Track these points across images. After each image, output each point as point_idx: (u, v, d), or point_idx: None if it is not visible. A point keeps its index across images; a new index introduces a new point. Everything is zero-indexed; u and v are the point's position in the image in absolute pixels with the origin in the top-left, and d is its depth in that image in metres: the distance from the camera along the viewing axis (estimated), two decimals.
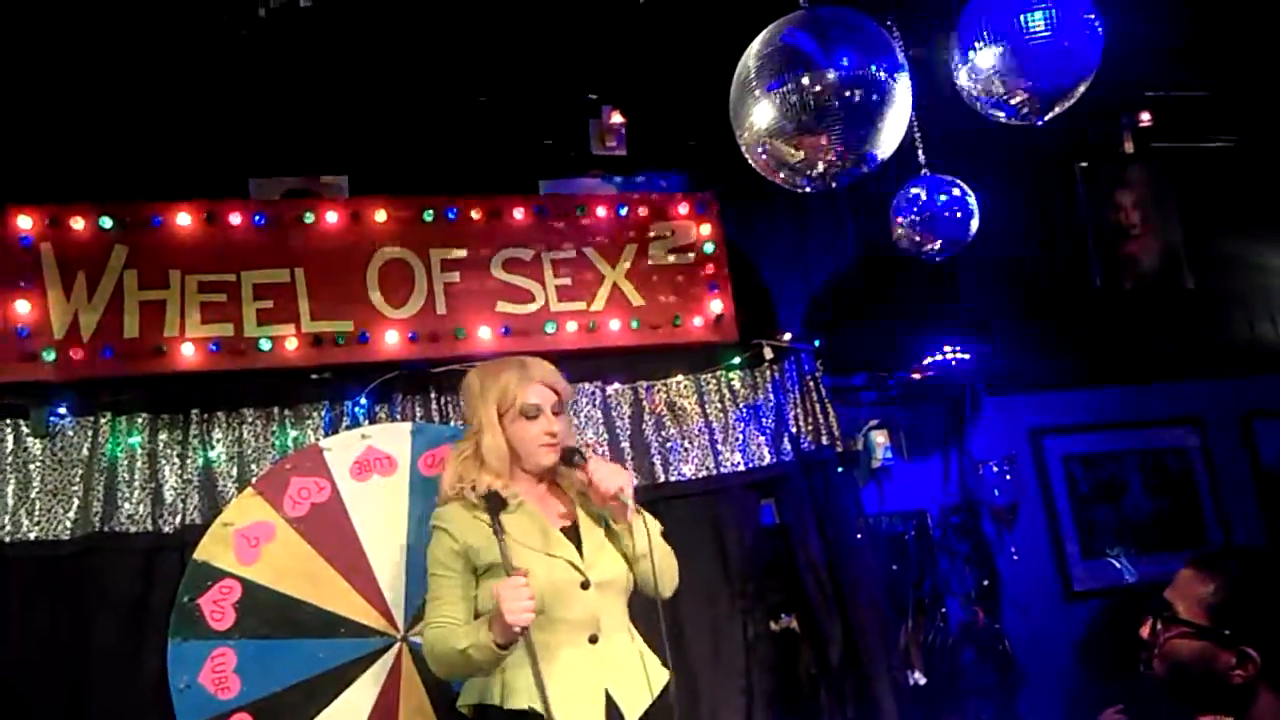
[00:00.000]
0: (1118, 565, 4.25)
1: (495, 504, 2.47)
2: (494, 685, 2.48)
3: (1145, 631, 1.91)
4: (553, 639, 2.47)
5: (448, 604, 2.52)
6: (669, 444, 3.66)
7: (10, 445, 3.14)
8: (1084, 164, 4.65)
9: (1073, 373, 4.47)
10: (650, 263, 3.77)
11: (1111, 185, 4.68)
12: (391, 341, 3.43)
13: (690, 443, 3.68)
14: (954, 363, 4.09)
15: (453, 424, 3.43)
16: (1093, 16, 2.50)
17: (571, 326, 3.61)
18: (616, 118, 3.85)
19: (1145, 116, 4.65)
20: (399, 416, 3.40)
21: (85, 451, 3.15)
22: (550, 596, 2.46)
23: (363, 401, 3.37)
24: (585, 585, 2.50)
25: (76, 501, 3.11)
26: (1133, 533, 4.39)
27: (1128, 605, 4.19)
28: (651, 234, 3.79)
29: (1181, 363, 4.61)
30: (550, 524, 2.59)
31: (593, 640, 2.49)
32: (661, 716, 2.53)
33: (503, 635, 2.33)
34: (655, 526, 2.62)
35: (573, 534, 2.61)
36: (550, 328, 3.59)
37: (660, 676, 2.57)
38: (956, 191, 3.27)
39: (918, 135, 3.37)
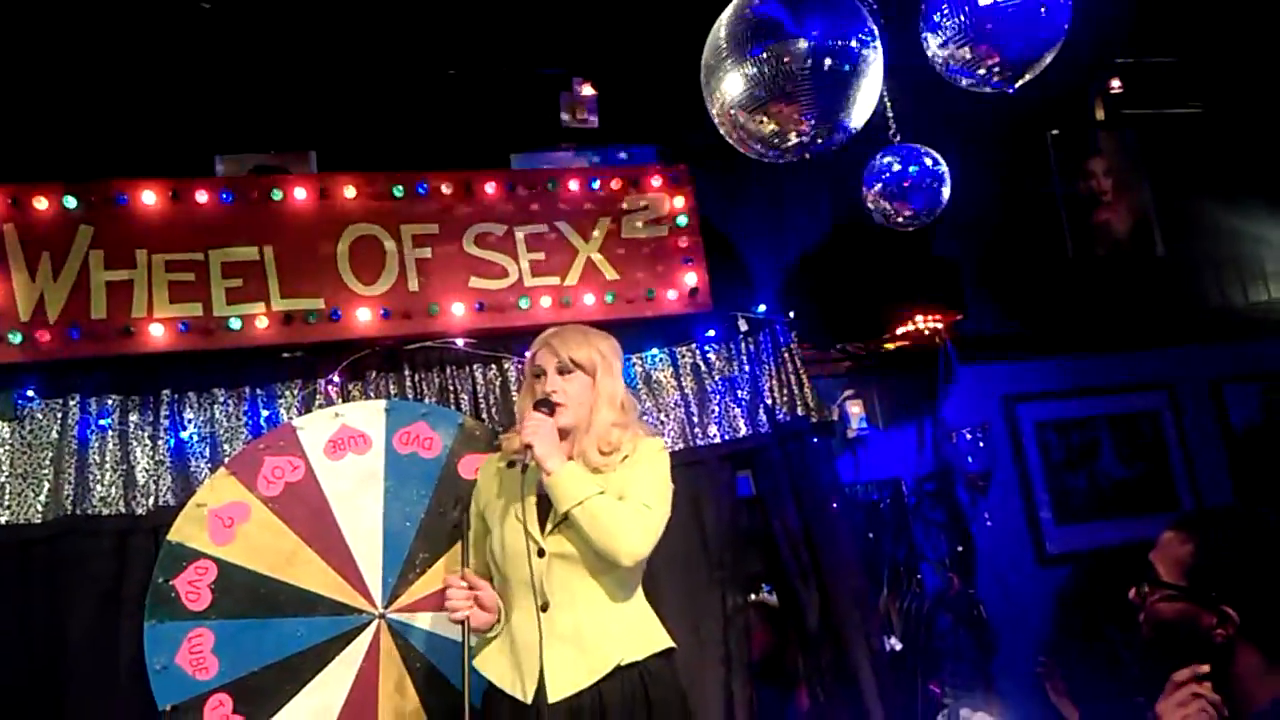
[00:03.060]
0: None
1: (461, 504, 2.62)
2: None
3: (1132, 594, 1.94)
4: (511, 600, 2.58)
5: (474, 554, 2.72)
6: (645, 417, 3.65)
7: None
8: (1055, 132, 4.66)
9: (1046, 340, 4.50)
10: (624, 236, 3.75)
11: (1082, 153, 4.70)
12: (364, 319, 3.40)
13: (666, 416, 3.69)
14: (927, 331, 4.11)
15: (427, 401, 3.41)
16: None
17: (545, 301, 3.60)
18: (587, 90, 3.82)
19: (1115, 83, 4.66)
20: (373, 394, 3.38)
21: (55, 434, 3.11)
22: (506, 558, 2.58)
23: (335, 379, 3.35)
24: (541, 553, 2.52)
25: (47, 485, 3.08)
26: (1105, 498, 4.45)
27: (1100, 567, 4.25)
28: (624, 207, 3.77)
29: (1153, 329, 4.66)
30: (535, 490, 2.60)
31: (544, 608, 2.50)
32: (603, 700, 2.46)
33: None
34: (588, 489, 2.50)
35: (549, 501, 2.58)
36: (524, 303, 3.57)
37: (608, 663, 2.49)
38: (928, 161, 3.27)
39: (889, 104, 3.37)
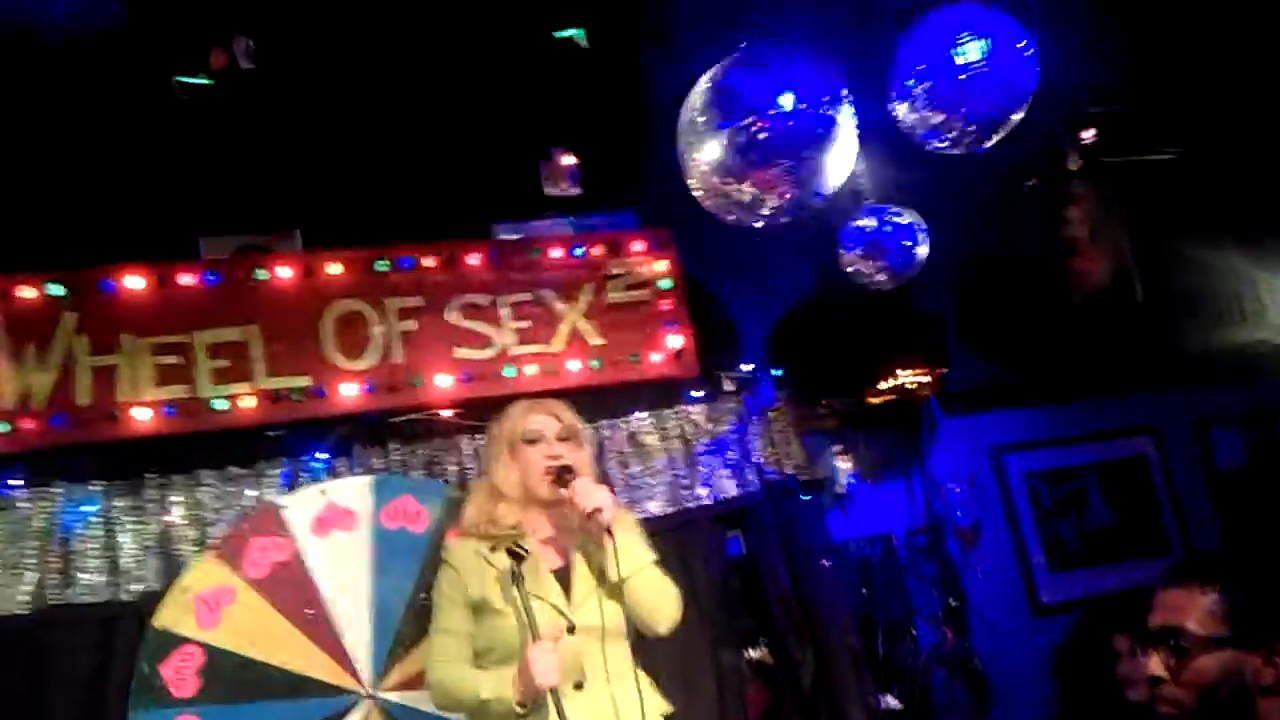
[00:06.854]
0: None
1: (516, 557, 2.45)
2: None
3: (1155, 667, 1.82)
4: None
5: (454, 639, 2.54)
6: (634, 481, 3.65)
7: None
8: (1031, 183, 4.71)
9: (1030, 390, 4.52)
10: (608, 301, 3.76)
11: (1059, 202, 4.75)
12: (349, 394, 3.39)
13: (655, 479, 3.68)
14: (912, 385, 4.13)
15: (414, 475, 3.40)
16: (1024, 44, 2.54)
17: (531, 369, 3.60)
18: (567, 158, 3.85)
19: (1089, 133, 4.72)
20: (359, 470, 3.37)
21: (39, 523, 3.09)
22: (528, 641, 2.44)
23: (321, 457, 3.34)
24: (571, 630, 2.47)
25: (31, 575, 3.04)
26: (1096, 544, 4.44)
27: (1097, 619, 4.22)
28: (608, 272, 3.79)
29: (1136, 374, 4.67)
30: (543, 565, 2.55)
31: (578, 686, 2.44)
32: None
33: (524, 694, 2.35)
34: (647, 556, 2.58)
35: (564, 576, 2.56)
36: (510, 371, 3.57)
37: None
38: (902, 220, 3.32)
39: (862, 164, 3.42)
